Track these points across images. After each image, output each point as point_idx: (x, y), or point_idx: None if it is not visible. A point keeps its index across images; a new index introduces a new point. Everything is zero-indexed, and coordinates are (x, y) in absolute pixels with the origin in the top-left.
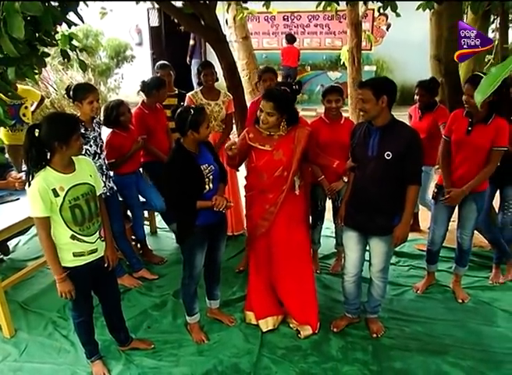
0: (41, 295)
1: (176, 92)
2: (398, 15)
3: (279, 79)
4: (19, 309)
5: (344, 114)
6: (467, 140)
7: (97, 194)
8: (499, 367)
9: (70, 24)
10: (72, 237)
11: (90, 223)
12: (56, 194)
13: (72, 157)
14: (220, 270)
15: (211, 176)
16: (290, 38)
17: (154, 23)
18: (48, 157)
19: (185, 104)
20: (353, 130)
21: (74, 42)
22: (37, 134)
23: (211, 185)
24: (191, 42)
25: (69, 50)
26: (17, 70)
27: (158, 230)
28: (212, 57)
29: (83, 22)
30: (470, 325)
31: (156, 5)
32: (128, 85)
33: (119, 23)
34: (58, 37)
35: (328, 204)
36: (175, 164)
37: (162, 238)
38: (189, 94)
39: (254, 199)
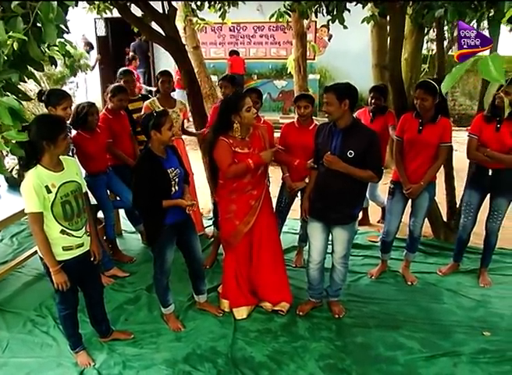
0: (16, 296)
1: (140, 96)
2: (345, 27)
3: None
4: None
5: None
6: (419, 138)
7: (83, 191)
8: (447, 337)
9: (64, 32)
10: (62, 232)
11: (78, 219)
12: (49, 191)
13: (60, 157)
14: (202, 266)
15: (176, 179)
16: (234, 53)
17: (101, 32)
18: (39, 157)
19: (142, 112)
20: (317, 130)
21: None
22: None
23: (176, 187)
24: (131, 54)
25: (61, 56)
26: (20, 74)
27: (123, 232)
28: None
29: (68, 31)
30: (420, 303)
31: (104, 15)
32: (82, 94)
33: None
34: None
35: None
36: (143, 167)
37: (128, 239)
38: (146, 103)
39: (235, 201)
